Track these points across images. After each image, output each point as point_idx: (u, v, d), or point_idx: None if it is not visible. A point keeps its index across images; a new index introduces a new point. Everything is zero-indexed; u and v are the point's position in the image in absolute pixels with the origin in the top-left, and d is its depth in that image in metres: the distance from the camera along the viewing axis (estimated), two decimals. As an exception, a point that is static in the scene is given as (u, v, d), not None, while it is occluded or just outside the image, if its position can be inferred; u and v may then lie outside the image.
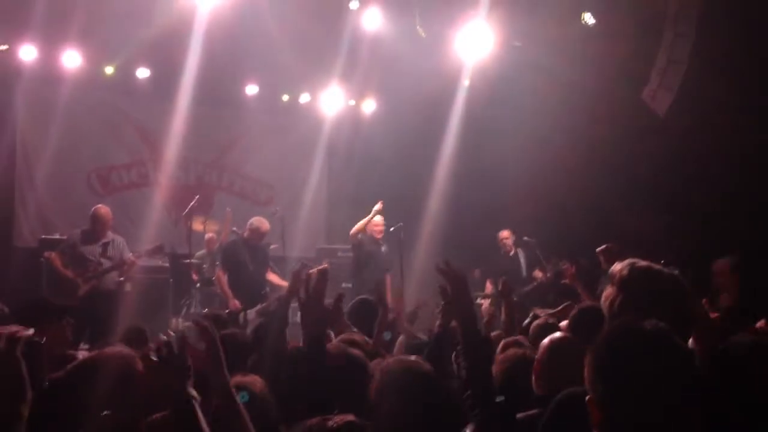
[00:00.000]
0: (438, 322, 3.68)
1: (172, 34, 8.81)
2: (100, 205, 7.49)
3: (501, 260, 9.13)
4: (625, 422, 1.56)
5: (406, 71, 9.44)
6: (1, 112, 9.88)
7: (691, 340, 2.50)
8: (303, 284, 2.99)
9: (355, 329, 4.24)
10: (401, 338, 4.46)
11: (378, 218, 8.46)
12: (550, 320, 4.31)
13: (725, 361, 2.22)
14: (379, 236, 8.44)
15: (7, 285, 8.13)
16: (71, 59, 9.88)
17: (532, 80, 8.97)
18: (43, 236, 9.17)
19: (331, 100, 11.44)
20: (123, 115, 11.10)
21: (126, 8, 8.41)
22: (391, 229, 8.61)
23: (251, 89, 11.28)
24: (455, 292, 2.71)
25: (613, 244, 3.98)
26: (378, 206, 8.42)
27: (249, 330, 6.54)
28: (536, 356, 3.03)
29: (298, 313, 3.30)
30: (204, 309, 9.00)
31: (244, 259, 7.80)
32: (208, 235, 10.21)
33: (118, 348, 2.70)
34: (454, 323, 3.01)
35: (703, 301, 3.98)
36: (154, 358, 2.24)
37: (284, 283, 8.21)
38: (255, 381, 2.62)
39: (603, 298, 2.45)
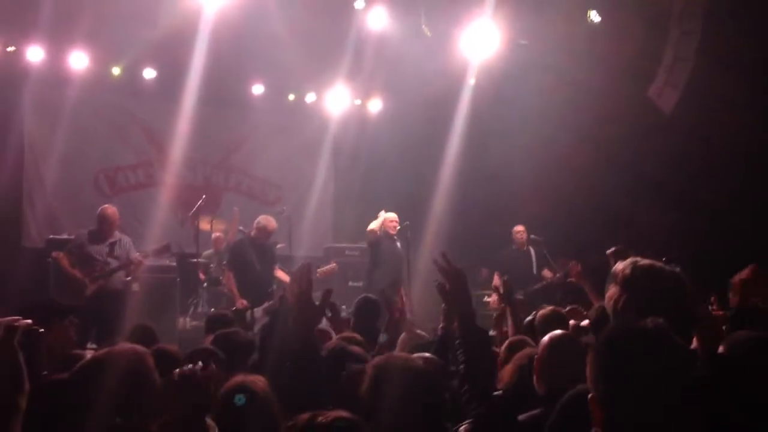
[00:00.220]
0: (441, 325, 3.68)
1: (178, 34, 8.83)
2: (107, 205, 7.51)
3: (511, 255, 9.07)
4: (626, 422, 1.56)
5: (412, 70, 9.43)
6: (9, 113, 9.92)
7: (694, 340, 2.50)
8: (292, 284, 2.98)
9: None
10: (403, 336, 4.45)
11: (392, 214, 8.45)
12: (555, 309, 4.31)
13: (725, 360, 2.22)
14: (394, 232, 8.41)
15: (15, 285, 8.16)
16: (78, 60, 9.92)
17: (538, 79, 8.95)
18: (51, 236, 9.20)
19: (337, 100, 11.45)
20: (129, 115, 11.13)
21: (132, 9, 8.43)
22: (398, 227, 8.60)
23: (257, 89, 11.30)
24: (454, 287, 2.69)
25: (623, 246, 3.96)
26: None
27: (256, 328, 6.58)
28: (536, 355, 3.03)
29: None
30: (211, 308, 9.02)
31: (251, 258, 7.82)
32: (215, 235, 10.23)
33: (129, 345, 2.68)
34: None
35: (712, 299, 3.97)
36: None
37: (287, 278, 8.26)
38: (257, 380, 2.62)
39: (606, 298, 2.44)
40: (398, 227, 8.39)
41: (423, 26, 8.50)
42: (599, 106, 8.47)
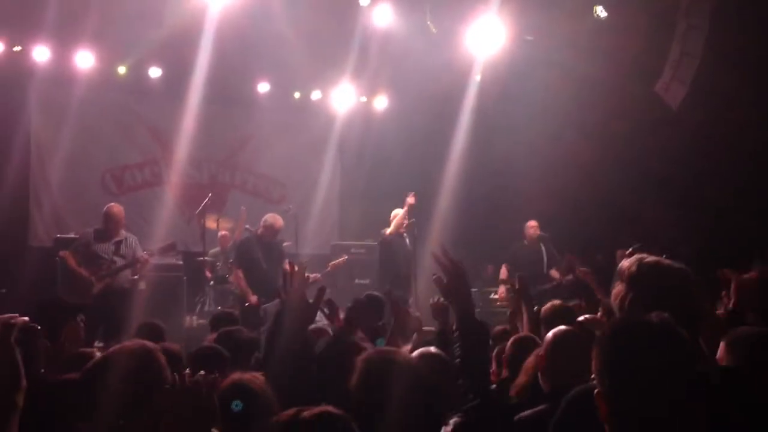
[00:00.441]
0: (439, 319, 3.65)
1: (183, 33, 8.84)
2: (112, 204, 7.51)
3: (522, 250, 9.02)
4: (631, 416, 1.55)
5: (417, 67, 9.42)
6: (15, 112, 9.95)
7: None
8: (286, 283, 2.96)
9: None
10: (415, 337, 4.46)
11: (401, 211, 8.45)
12: (556, 303, 4.29)
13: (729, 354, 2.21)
14: (403, 230, 8.41)
15: (23, 284, 8.19)
16: (84, 60, 9.94)
17: (543, 75, 8.93)
18: (58, 235, 9.23)
19: (343, 97, 11.45)
20: (135, 114, 11.15)
21: (138, 8, 8.45)
22: (406, 223, 8.60)
23: (263, 87, 11.31)
24: (452, 281, 2.66)
25: (640, 245, 3.93)
26: (411, 200, 8.35)
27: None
28: (540, 351, 3.02)
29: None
30: (218, 307, 9.05)
31: (257, 257, 7.83)
32: (221, 233, 10.25)
33: (140, 341, 2.66)
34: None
35: (722, 293, 3.94)
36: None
37: None
38: (254, 378, 2.61)
39: (613, 296, 2.43)
40: (406, 223, 8.40)
41: (428, 22, 8.49)
42: (605, 102, 8.45)
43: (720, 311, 3.41)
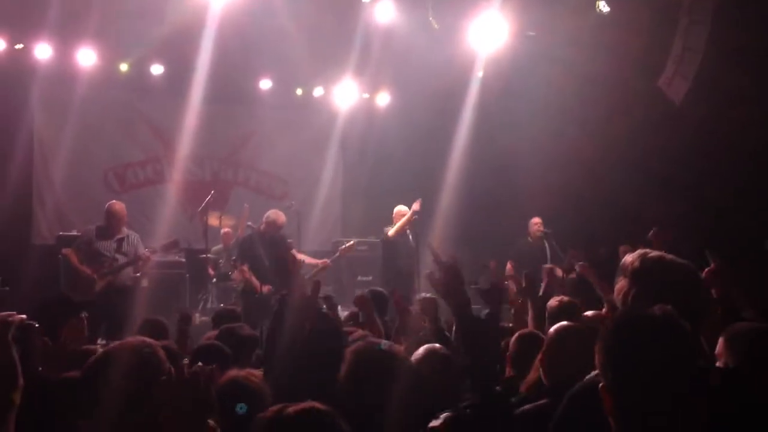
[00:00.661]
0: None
1: (185, 30, 8.83)
2: (114, 201, 7.52)
3: (526, 247, 9.00)
4: (634, 409, 1.55)
5: (420, 63, 9.41)
6: (18, 111, 9.96)
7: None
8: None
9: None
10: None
11: (405, 208, 8.43)
12: (565, 300, 4.28)
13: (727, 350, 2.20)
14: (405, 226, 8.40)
15: (26, 282, 8.20)
16: (86, 57, 9.95)
17: (546, 71, 8.90)
18: (61, 233, 9.24)
19: (345, 94, 11.44)
20: (137, 112, 11.16)
21: (139, 5, 8.46)
22: None
23: (265, 84, 11.30)
24: (445, 275, 2.58)
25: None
26: (416, 206, 8.35)
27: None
28: (542, 347, 3.00)
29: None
30: (221, 304, 9.04)
31: (259, 253, 7.83)
32: (224, 230, 10.24)
33: (140, 338, 2.66)
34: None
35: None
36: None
37: (313, 261, 8.27)
38: (251, 375, 2.60)
39: (616, 291, 2.42)
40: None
41: (430, 18, 8.46)
42: (608, 99, 8.42)
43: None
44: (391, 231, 8.44)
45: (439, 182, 9.89)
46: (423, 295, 4.47)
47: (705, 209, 7.57)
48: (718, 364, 2.39)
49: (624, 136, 8.48)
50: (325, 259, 8.49)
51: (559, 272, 8.64)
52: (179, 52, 9.72)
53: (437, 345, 3.16)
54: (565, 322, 3.04)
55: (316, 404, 1.80)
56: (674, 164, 8.01)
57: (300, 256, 8.10)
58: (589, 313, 3.97)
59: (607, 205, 8.67)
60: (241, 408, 2.37)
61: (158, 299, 7.58)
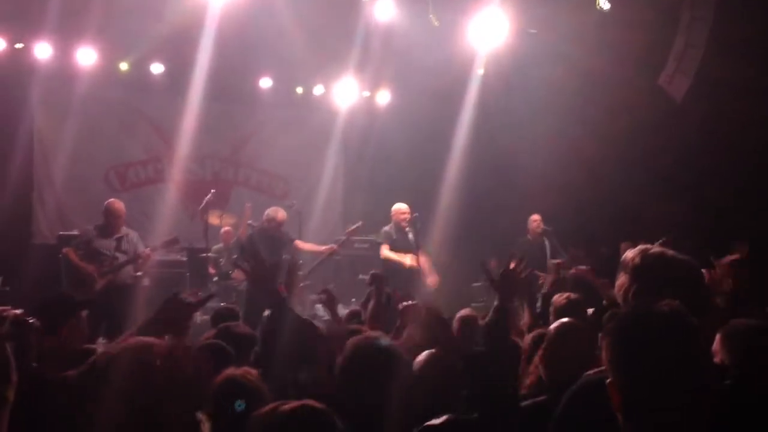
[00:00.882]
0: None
1: (185, 29, 8.82)
2: (113, 199, 7.52)
3: (525, 245, 8.96)
4: (642, 406, 1.53)
5: (420, 61, 9.38)
6: (18, 110, 9.96)
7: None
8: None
9: None
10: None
11: (404, 206, 8.39)
12: (572, 297, 4.26)
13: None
14: (404, 224, 8.37)
15: (27, 282, 8.20)
16: (86, 56, 9.94)
17: (547, 68, 8.88)
18: (61, 233, 9.23)
19: (345, 92, 11.42)
20: (138, 111, 11.16)
21: (139, 4, 8.43)
22: (409, 218, 8.55)
23: (265, 83, 11.29)
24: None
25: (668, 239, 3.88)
26: (409, 260, 8.21)
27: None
28: (543, 344, 3.00)
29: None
30: (221, 303, 9.03)
31: (259, 251, 7.81)
32: (224, 229, 10.23)
33: (139, 338, 2.64)
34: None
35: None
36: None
37: (319, 248, 8.23)
38: (248, 373, 2.59)
39: (617, 287, 2.41)
40: (409, 218, 8.34)
41: (431, 16, 8.44)
42: (609, 97, 8.40)
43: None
44: (384, 252, 8.34)
45: (440, 180, 9.88)
46: (406, 303, 4.44)
47: (705, 209, 7.55)
48: (714, 360, 2.38)
49: (625, 135, 8.47)
50: (331, 245, 8.46)
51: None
52: (179, 51, 9.70)
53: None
54: (565, 319, 3.04)
55: (311, 402, 1.79)
56: (675, 163, 8.01)
57: (305, 246, 8.13)
58: (590, 310, 3.97)
59: (607, 204, 8.66)
60: (239, 405, 2.36)
61: (159, 298, 7.55)
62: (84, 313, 4.17)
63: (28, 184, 10.24)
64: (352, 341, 2.52)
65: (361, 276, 9.73)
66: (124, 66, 10.33)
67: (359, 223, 8.76)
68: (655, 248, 2.33)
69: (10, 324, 2.02)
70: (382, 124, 11.69)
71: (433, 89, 9.97)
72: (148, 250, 7.31)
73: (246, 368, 2.64)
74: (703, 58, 7.41)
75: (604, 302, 4.12)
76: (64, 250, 7.40)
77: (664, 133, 8.10)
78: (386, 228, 8.44)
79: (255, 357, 3.30)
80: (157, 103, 11.10)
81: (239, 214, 10.19)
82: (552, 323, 3.53)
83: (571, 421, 2.22)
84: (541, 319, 4.44)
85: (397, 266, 8.08)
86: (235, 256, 9.72)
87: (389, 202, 8.68)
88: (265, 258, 7.68)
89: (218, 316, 5.07)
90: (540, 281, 8.20)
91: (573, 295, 4.30)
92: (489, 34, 8.52)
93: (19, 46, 9.65)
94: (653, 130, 8.27)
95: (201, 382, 1.98)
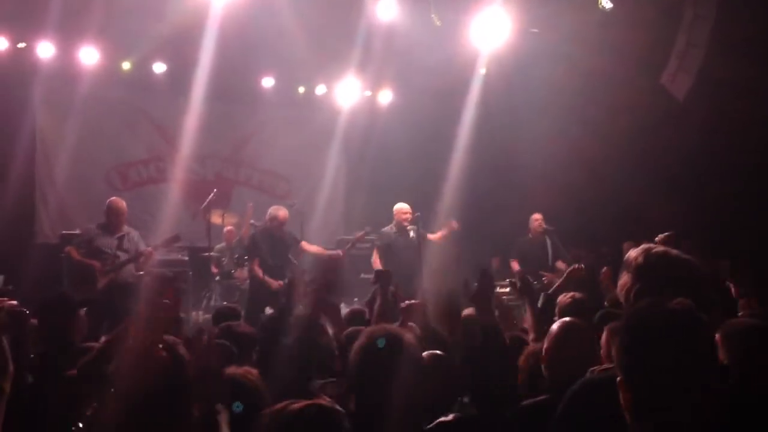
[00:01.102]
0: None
1: (187, 29, 8.81)
2: (114, 198, 7.52)
3: (527, 244, 8.95)
4: (652, 405, 1.52)
5: (422, 61, 9.38)
6: (20, 109, 9.97)
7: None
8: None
9: None
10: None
11: (405, 205, 8.39)
12: (577, 296, 4.25)
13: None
14: (406, 223, 8.37)
15: (29, 281, 8.19)
16: (88, 56, 9.95)
17: (549, 68, 8.88)
18: (64, 232, 9.24)
19: (347, 92, 11.42)
20: (140, 111, 11.18)
21: (141, 4, 8.43)
22: (410, 218, 8.55)
23: (267, 82, 11.30)
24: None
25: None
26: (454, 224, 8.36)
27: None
28: (545, 344, 3.00)
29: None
30: (224, 302, 9.04)
31: (262, 250, 7.83)
32: (226, 228, 10.25)
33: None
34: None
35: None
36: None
37: (325, 252, 8.24)
38: (248, 372, 2.59)
39: (619, 287, 2.40)
40: (410, 217, 8.34)
41: (432, 15, 8.43)
42: (611, 97, 8.39)
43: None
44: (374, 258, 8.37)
45: (442, 180, 9.86)
46: (409, 302, 4.43)
47: (707, 209, 7.54)
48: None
49: (627, 135, 8.45)
50: (338, 251, 8.48)
51: (562, 266, 8.65)
52: (181, 51, 9.71)
53: (437, 352, 3.17)
54: (567, 318, 3.03)
55: (320, 401, 1.80)
56: (677, 163, 8.00)
57: (311, 248, 8.13)
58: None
59: (609, 204, 8.65)
60: (237, 407, 2.36)
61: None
62: (83, 311, 4.18)
63: (30, 184, 10.26)
64: (368, 329, 2.52)
65: (362, 275, 9.73)
66: (126, 65, 10.34)
67: (367, 229, 8.78)
68: (658, 247, 2.32)
69: (7, 315, 2.01)
70: (384, 123, 11.69)
71: (434, 89, 9.96)
72: (149, 249, 7.31)
73: (247, 368, 2.65)
74: (705, 58, 7.39)
75: (606, 302, 4.12)
76: (66, 249, 7.41)
77: (666, 132, 8.09)
78: (385, 228, 8.44)
79: (257, 357, 3.31)
80: (159, 103, 11.11)
81: (241, 214, 10.21)
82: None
83: (572, 421, 2.22)
84: (542, 316, 4.43)
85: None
86: (236, 256, 9.75)
87: (391, 201, 8.68)
88: (268, 261, 7.75)
89: (220, 315, 5.07)
90: (544, 280, 8.22)
91: (578, 295, 4.29)
92: (491, 33, 8.50)
93: (21, 45, 9.66)
94: (655, 129, 8.26)
95: (218, 374, 2.00)
